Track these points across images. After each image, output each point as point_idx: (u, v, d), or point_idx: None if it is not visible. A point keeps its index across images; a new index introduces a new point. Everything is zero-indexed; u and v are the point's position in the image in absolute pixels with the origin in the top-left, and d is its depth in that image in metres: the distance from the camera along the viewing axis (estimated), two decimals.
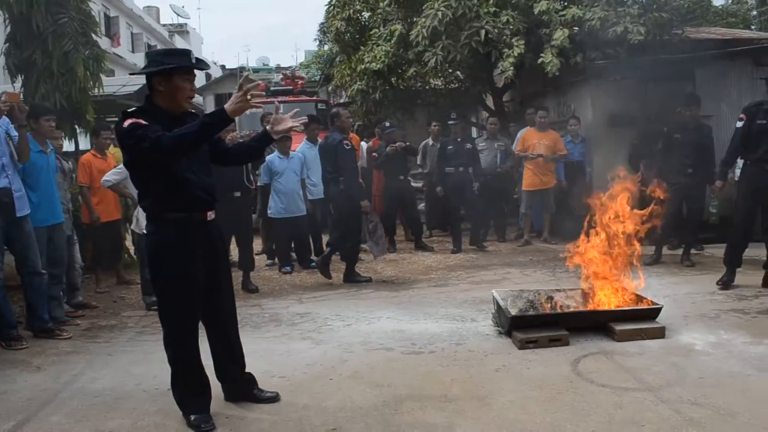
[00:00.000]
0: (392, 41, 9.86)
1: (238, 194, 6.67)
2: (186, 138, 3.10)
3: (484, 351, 4.47)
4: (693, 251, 7.54)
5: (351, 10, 11.09)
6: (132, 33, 31.28)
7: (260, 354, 4.56)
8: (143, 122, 3.12)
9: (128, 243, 7.55)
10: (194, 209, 3.38)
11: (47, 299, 5.27)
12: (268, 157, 7.57)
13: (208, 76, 45.47)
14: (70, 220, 6.07)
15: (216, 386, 3.71)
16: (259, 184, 7.86)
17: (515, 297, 5.06)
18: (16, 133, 4.92)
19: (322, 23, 16.76)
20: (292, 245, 7.99)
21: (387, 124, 9.26)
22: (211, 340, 3.67)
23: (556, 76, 8.59)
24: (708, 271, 6.76)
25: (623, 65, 8.50)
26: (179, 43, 40.07)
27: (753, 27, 19.89)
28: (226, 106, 3.13)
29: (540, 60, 8.56)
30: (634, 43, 8.33)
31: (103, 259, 7.16)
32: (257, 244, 8.10)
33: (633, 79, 8.59)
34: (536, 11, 8.75)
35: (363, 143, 9.71)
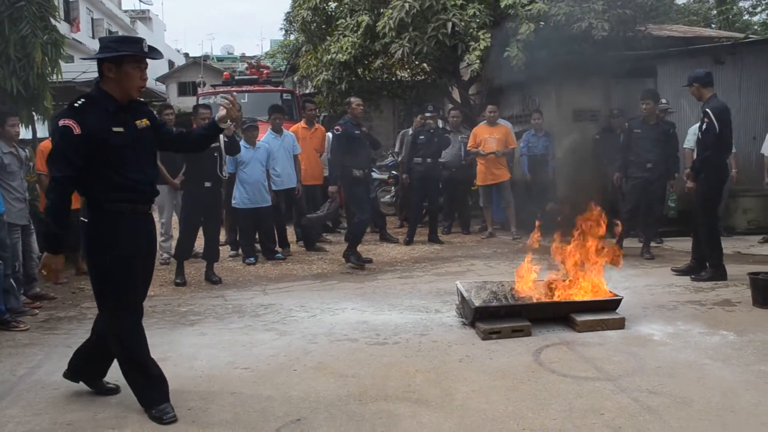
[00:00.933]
0: (359, 32, 9.81)
1: (209, 184, 6.60)
2: (52, 209, 3.19)
3: (448, 342, 4.50)
4: (653, 244, 7.72)
5: (318, 0, 11.00)
6: (92, 18, 30.51)
7: (223, 345, 4.53)
8: (74, 131, 3.14)
9: None
10: (133, 201, 3.37)
11: (2, 291, 5.12)
12: None
13: (171, 63, 44.72)
14: (27, 209, 5.91)
15: (177, 377, 3.66)
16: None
17: (479, 288, 5.10)
18: None
19: (288, 12, 16.59)
20: (257, 236, 7.93)
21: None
22: None
23: (521, 70, 8.67)
24: (667, 264, 6.94)
25: (587, 60, 8.62)
26: (141, 29, 39.25)
27: (713, 25, 20.40)
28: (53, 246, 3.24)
29: (506, 53, 8.63)
30: (598, 39, 8.45)
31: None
32: (221, 235, 8.02)
33: (597, 74, 8.72)
34: (503, 5, 8.82)
35: (329, 134, 9.66)
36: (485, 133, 8.92)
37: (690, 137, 7.92)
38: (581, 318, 4.68)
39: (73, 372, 3.69)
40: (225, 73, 15.93)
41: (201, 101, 10.90)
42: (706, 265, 6.17)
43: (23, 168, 5.97)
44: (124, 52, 3.25)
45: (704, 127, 6.14)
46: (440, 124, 11.80)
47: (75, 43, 24.30)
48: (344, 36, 10.06)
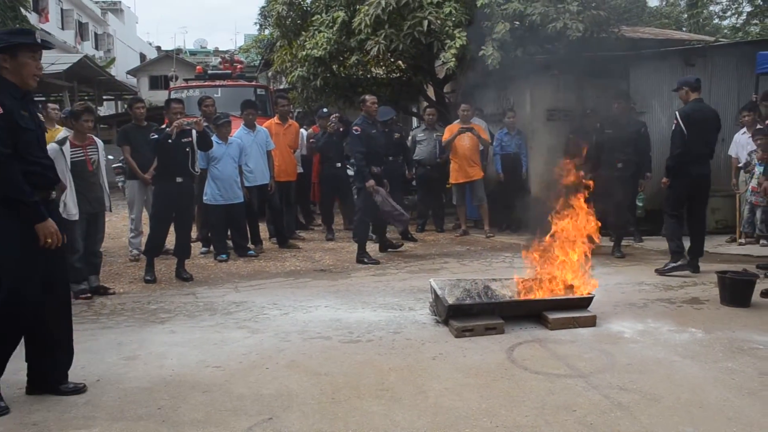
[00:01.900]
0: (334, 28, 9.75)
1: (180, 180, 6.50)
2: (13, 184, 3.28)
3: (422, 339, 4.50)
4: (634, 243, 7.90)
5: None
6: (62, 9, 29.85)
7: (194, 344, 4.47)
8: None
9: None
10: (40, 186, 3.47)
11: None
12: None
13: (142, 57, 44.11)
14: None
15: (146, 376, 3.59)
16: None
17: (452, 286, 5.10)
18: None
19: (263, 7, 16.42)
20: (229, 233, 7.84)
21: (325, 110, 9.30)
22: None
23: (496, 69, 8.70)
24: (637, 262, 7.05)
25: (562, 60, 8.69)
26: (113, 21, 38.59)
27: (684, 28, 20.78)
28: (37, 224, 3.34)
29: (481, 53, 8.65)
30: (572, 39, 8.52)
31: None
32: (192, 232, 7.92)
33: (571, 74, 8.79)
34: (479, 4, 8.83)
35: (302, 130, 9.60)
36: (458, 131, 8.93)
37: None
38: (554, 316, 4.71)
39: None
40: (198, 67, 15.76)
41: (173, 95, 10.74)
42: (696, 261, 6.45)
43: None
44: (18, 41, 3.43)
45: (673, 128, 6.36)
46: (414, 122, 11.82)
47: (44, 33, 23.73)
48: (319, 32, 9.99)
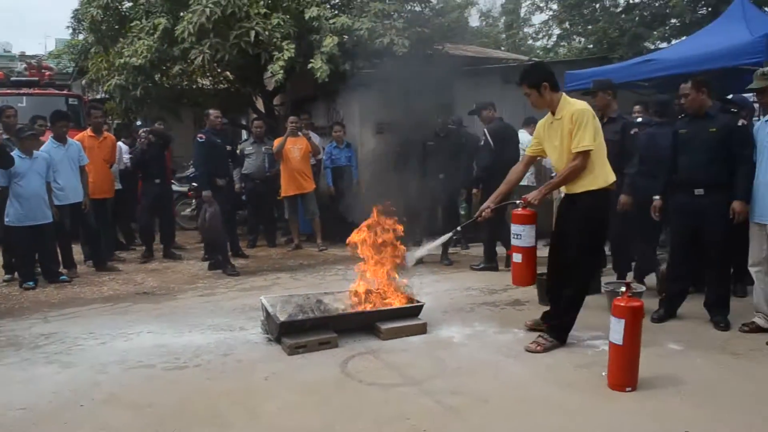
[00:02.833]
0: (156, 35, 9.20)
1: None
2: None
3: (253, 360, 4.32)
4: (461, 251, 8.33)
5: None
6: None
7: None
8: None
9: None
10: None
11: None
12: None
13: None
14: None
15: None
16: None
17: (284, 302, 4.97)
18: None
19: (76, 10, 15.08)
20: (36, 257, 7.05)
21: (138, 122, 8.85)
22: None
23: (325, 82, 8.73)
24: (464, 269, 7.38)
25: (389, 75, 8.91)
26: None
27: (502, 48, 22.44)
28: None
29: (310, 65, 8.63)
30: (399, 55, 8.77)
31: None
32: None
33: (397, 88, 9.04)
34: (307, 17, 8.83)
35: (120, 143, 8.95)
36: (288, 144, 8.83)
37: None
38: (386, 326, 4.75)
39: None
40: None
41: None
42: None
43: None
44: None
45: (481, 142, 7.22)
46: (243, 135, 11.53)
47: None
48: (139, 39, 9.38)
